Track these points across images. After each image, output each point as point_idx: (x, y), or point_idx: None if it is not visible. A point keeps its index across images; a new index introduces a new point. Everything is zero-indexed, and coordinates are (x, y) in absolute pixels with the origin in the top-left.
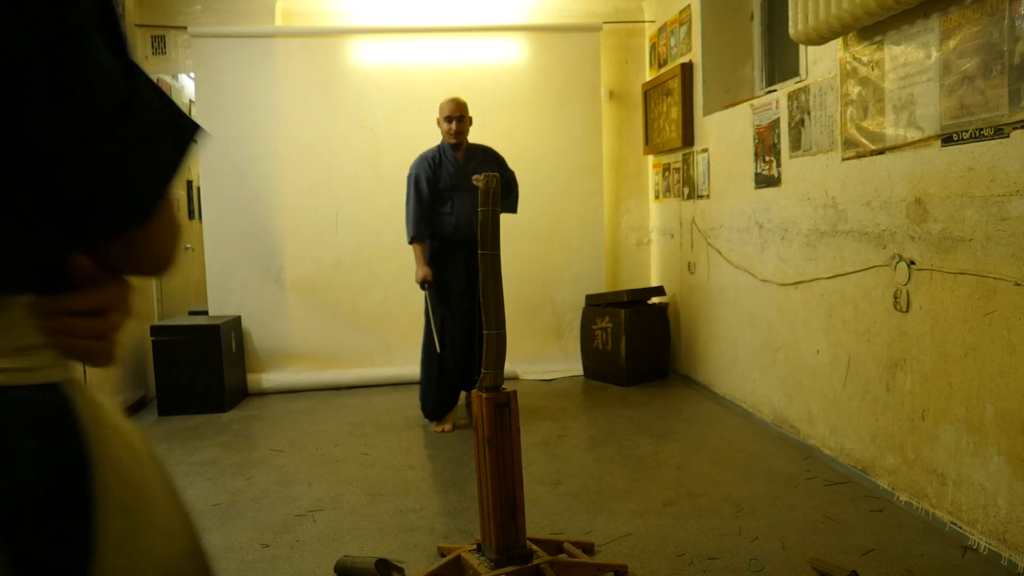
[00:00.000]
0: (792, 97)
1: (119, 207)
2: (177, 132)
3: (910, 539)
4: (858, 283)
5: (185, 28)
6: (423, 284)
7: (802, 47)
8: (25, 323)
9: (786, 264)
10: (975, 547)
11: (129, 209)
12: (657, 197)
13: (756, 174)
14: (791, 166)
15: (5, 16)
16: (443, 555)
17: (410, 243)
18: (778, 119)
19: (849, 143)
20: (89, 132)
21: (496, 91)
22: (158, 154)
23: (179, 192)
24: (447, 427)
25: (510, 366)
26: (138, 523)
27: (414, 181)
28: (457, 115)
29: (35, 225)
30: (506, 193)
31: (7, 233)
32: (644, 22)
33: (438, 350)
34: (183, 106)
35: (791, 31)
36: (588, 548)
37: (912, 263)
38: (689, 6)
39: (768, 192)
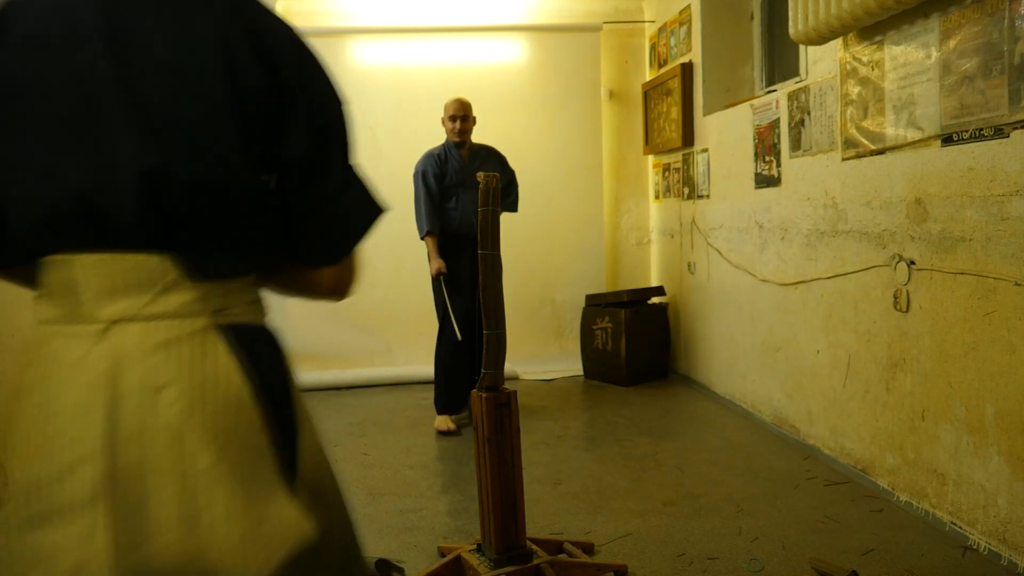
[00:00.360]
0: (792, 97)
1: (329, 247)
2: (371, 208)
3: (910, 539)
4: (858, 283)
5: None
6: (437, 277)
7: (802, 47)
8: (254, 288)
9: (786, 264)
10: (975, 547)
11: (334, 250)
12: (657, 197)
13: (756, 174)
14: (791, 166)
15: (306, 142)
16: (443, 555)
17: (423, 238)
18: (778, 119)
19: (849, 143)
20: (324, 201)
21: (496, 91)
22: (358, 220)
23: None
24: (451, 427)
25: (510, 366)
26: (303, 417)
27: (421, 177)
28: (460, 114)
29: (279, 248)
30: (507, 193)
31: (266, 251)
32: (644, 22)
33: (459, 338)
34: None
35: (791, 31)
36: (588, 548)
37: (912, 263)
38: (689, 6)
39: (768, 192)
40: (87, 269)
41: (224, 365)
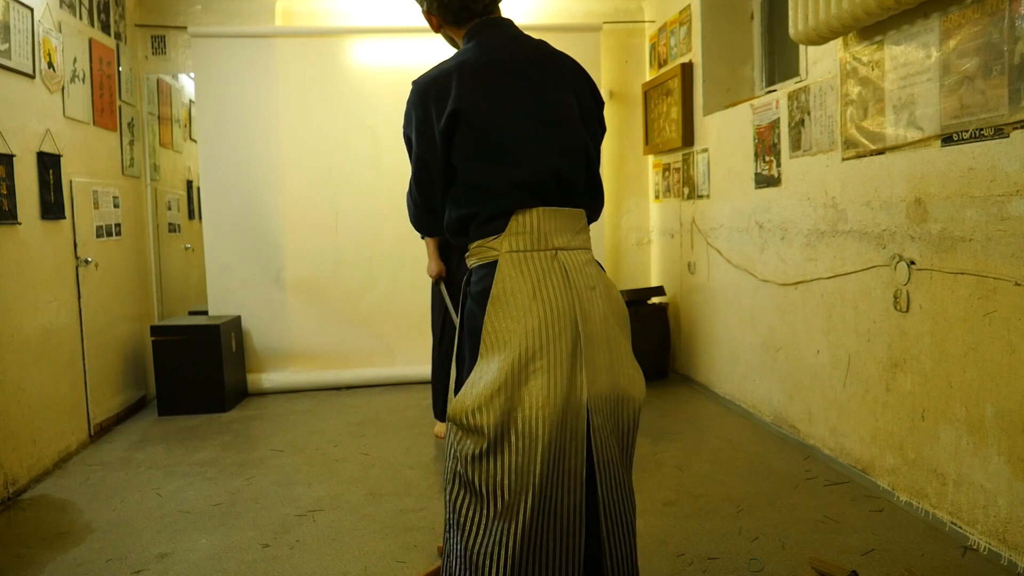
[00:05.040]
0: (792, 97)
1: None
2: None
3: (910, 539)
4: (858, 283)
5: (185, 28)
6: (437, 281)
7: (802, 47)
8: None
9: (786, 264)
10: (975, 547)
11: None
12: (657, 197)
13: (756, 174)
14: (791, 166)
15: (601, 134)
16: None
17: (423, 237)
18: (778, 119)
19: (849, 143)
20: (597, 164)
21: None
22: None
23: (180, 192)
24: None
25: None
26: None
27: None
28: None
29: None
30: None
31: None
32: (644, 22)
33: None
34: (182, 106)
35: (791, 31)
36: None
37: (912, 263)
38: (689, 6)
39: (768, 192)
40: (545, 217)
41: (607, 277)
